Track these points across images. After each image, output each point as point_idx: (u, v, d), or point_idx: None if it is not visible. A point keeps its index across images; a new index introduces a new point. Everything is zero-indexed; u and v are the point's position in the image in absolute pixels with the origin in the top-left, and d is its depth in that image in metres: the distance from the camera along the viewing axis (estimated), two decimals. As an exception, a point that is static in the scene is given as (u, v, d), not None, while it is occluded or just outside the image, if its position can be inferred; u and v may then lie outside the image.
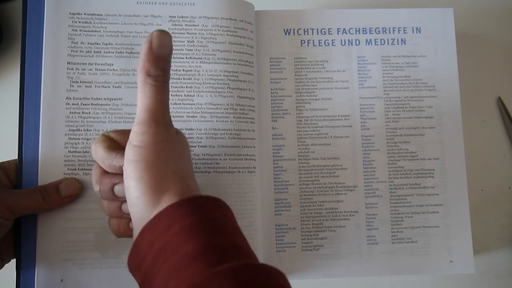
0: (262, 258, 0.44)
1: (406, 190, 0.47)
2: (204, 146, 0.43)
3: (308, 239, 0.46)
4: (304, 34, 0.48)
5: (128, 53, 0.44)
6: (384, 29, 0.49)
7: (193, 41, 0.45)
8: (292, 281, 0.29)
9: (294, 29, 0.48)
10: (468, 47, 0.53)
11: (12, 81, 0.54)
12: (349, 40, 0.49)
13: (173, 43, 0.42)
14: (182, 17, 0.45)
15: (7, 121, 0.54)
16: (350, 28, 0.49)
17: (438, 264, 0.46)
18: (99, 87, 0.43)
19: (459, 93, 0.47)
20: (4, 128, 0.54)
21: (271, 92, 0.47)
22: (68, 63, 0.43)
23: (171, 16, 0.45)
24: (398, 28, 0.49)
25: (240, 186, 0.44)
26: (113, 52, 0.44)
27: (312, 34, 0.48)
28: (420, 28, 0.49)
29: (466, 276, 0.49)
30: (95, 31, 0.44)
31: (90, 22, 0.44)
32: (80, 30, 0.44)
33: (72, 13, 0.44)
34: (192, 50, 0.45)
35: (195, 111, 0.44)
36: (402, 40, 0.48)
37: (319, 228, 0.46)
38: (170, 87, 0.33)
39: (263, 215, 0.45)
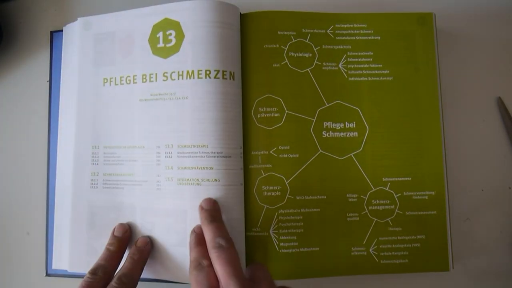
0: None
1: None
2: None
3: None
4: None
5: None
6: None
7: None
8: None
9: None
10: (468, 47, 0.53)
11: (12, 81, 0.55)
12: None
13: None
14: None
15: (7, 120, 0.54)
16: None
17: None
18: None
19: (440, 99, 0.48)
20: (4, 128, 0.54)
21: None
22: None
23: None
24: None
25: None
26: None
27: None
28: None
29: (466, 276, 0.49)
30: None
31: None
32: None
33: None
34: None
35: None
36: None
37: None
38: None
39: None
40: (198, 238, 0.42)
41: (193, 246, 0.41)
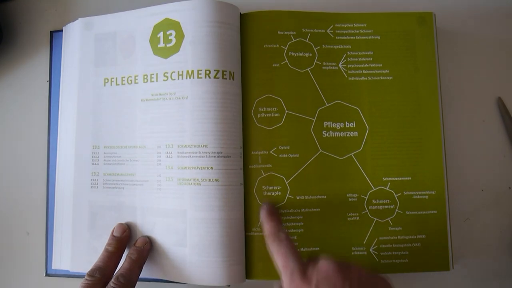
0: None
1: None
2: None
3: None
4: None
5: None
6: None
7: None
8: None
9: None
10: (468, 47, 0.52)
11: (12, 81, 0.55)
12: None
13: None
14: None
15: (7, 120, 0.54)
16: None
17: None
18: None
19: (440, 98, 0.48)
20: (4, 128, 0.54)
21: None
22: None
23: None
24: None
25: None
26: None
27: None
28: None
29: (465, 276, 0.49)
30: None
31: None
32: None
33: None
34: None
35: None
36: None
37: None
38: None
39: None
40: (270, 212, 0.43)
41: (266, 220, 0.43)
